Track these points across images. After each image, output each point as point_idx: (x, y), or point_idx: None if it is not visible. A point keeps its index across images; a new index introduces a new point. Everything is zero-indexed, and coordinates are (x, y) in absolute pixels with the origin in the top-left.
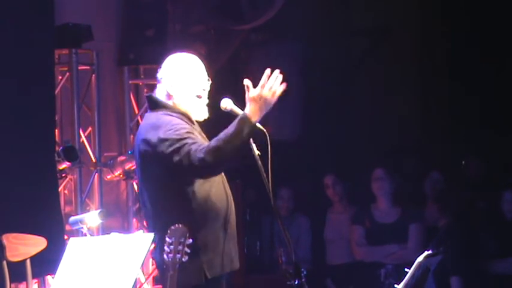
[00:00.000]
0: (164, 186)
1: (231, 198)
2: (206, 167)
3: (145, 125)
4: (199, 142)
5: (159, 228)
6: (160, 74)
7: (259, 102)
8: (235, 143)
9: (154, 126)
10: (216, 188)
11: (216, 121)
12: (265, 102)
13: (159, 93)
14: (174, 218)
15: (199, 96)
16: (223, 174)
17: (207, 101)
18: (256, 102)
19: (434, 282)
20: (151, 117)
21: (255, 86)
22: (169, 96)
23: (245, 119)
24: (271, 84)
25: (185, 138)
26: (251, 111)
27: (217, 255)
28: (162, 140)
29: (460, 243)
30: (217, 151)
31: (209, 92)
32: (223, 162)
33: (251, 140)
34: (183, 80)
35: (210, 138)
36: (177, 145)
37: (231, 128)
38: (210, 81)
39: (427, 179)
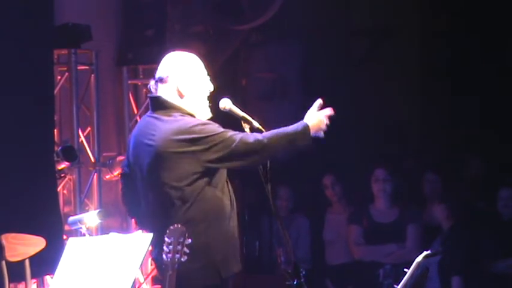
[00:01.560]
0: (178, 188)
1: (234, 199)
2: (260, 149)
3: (167, 127)
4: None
5: (161, 229)
6: (166, 72)
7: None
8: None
9: (183, 127)
10: (222, 189)
11: (215, 121)
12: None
13: (166, 93)
14: (184, 218)
15: (206, 96)
16: (226, 176)
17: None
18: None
19: (439, 280)
20: (168, 119)
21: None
22: (180, 96)
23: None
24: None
25: (224, 131)
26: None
27: (229, 256)
28: (204, 138)
29: (461, 243)
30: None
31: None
32: (272, 152)
33: None
34: (194, 79)
35: None
36: (230, 134)
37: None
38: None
39: (426, 179)
